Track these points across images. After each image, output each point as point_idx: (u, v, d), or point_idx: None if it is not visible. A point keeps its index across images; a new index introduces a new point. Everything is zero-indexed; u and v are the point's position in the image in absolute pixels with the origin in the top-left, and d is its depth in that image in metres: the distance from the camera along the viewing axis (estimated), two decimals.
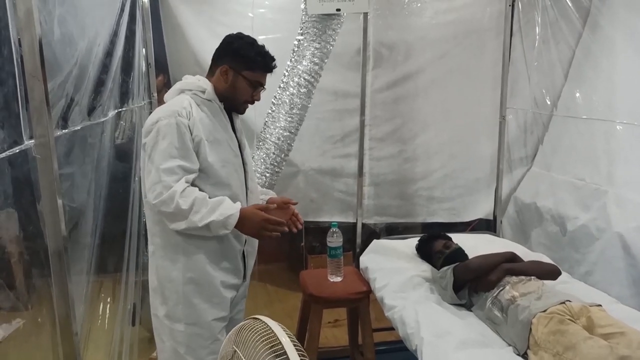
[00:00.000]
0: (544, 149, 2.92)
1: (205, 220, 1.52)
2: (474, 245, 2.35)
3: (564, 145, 2.75)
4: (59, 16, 1.03)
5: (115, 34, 1.58)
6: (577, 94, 2.64)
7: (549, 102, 2.80)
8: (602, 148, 2.46)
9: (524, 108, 2.94)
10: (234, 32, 1.77)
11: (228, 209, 1.56)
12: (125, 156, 1.85)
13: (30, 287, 1.25)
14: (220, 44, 1.73)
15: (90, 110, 1.26)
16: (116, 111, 1.57)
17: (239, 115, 1.84)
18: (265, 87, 1.78)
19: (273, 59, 1.74)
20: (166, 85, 3.18)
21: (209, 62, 2.76)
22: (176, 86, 1.67)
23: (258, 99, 1.77)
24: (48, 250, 0.98)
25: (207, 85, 1.65)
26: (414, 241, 2.47)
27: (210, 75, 1.71)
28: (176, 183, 1.50)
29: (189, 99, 1.61)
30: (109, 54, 1.47)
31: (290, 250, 3.79)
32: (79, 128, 1.10)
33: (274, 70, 1.76)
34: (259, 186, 1.98)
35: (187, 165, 1.54)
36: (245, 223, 1.59)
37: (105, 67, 1.42)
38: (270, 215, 1.61)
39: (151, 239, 1.66)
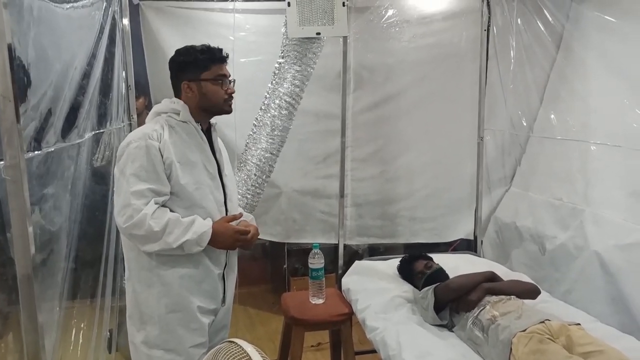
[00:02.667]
0: (521, 170, 2.97)
1: (179, 241, 1.52)
2: (455, 265, 2.35)
3: (541, 166, 2.80)
4: (34, 37, 1.03)
5: (93, 56, 1.57)
6: (552, 116, 2.71)
7: (525, 124, 2.86)
8: (578, 168, 2.51)
9: (501, 129, 3.00)
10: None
11: (201, 226, 1.57)
12: (103, 178, 1.82)
13: (2, 315, 1.22)
14: (170, 67, 1.70)
15: (65, 132, 1.24)
16: (93, 133, 1.55)
17: (218, 137, 1.80)
18: (230, 77, 1.72)
19: (219, 49, 1.69)
20: (147, 107, 3.17)
21: None
22: (153, 109, 1.68)
23: (233, 92, 1.72)
24: (17, 275, 0.95)
25: (180, 107, 1.64)
26: (395, 262, 2.46)
27: (179, 96, 1.69)
28: (146, 206, 1.50)
29: (162, 122, 1.61)
30: (86, 75, 1.46)
31: (273, 273, 3.75)
32: (52, 149, 1.08)
33: (227, 58, 1.71)
34: (240, 208, 1.96)
35: (156, 188, 1.54)
36: (218, 239, 1.60)
37: (82, 89, 1.41)
38: (239, 226, 1.68)
39: (127, 264, 1.64)
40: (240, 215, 1.77)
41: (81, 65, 1.41)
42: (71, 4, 1.36)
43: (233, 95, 1.72)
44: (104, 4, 1.76)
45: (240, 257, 2.95)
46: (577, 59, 2.62)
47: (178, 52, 1.68)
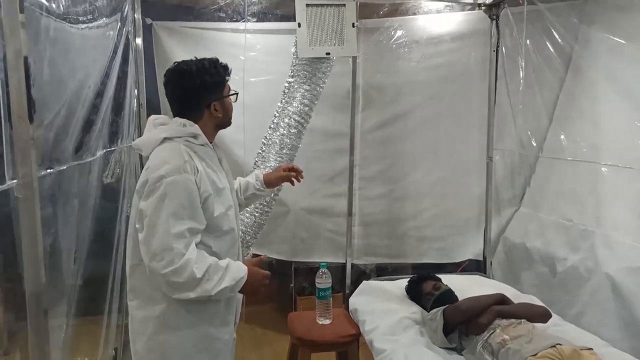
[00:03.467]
0: (531, 190, 2.95)
1: (218, 288, 1.42)
2: (464, 286, 2.32)
3: (551, 186, 2.78)
4: (50, 58, 1.05)
5: (107, 75, 1.59)
6: (562, 136, 2.69)
7: (534, 144, 2.84)
8: (588, 189, 2.49)
9: (510, 149, 2.99)
10: (168, 70, 1.57)
11: (238, 272, 1.48)
12: (112, 196, 1.83)
13: (10, 331, 1.21)
14: (189, 90, 1.52)
15: (78, 150, 1.25)
16: (105, 151, 1.57)
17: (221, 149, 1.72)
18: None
19: (219, 60, 1.60)
20: None
21: None
22: (159, 135, 1.48)
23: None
24: (26, 293, 0.95)
25: (197, 130, 1.51)
26: (403, 282, 2.44)
27: (196, 118, 1.53)
28: (187, 249, 1.38)
29: (185, 149, 1.46)
30: (99, 94, 1.48)
31: (280, 291, 3.73)
32: (64, 168, 1.09)
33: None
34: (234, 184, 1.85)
35: (195, 227, 1.43)
36: (249, 283, 1.51)
37: (95, 108, 1.42)
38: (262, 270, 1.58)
39: (144, 305, 1.49)
40: (266, 257, 1.72)
41: (95, 84, 1.43)
42: (87, 24, 1.38)
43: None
44: (119, 24, 1.80)
45: None
46: (586, 80, 2.62)
47: (194, 72, 1.50)
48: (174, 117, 1.55)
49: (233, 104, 1.63)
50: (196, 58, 1.56)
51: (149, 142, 1.49)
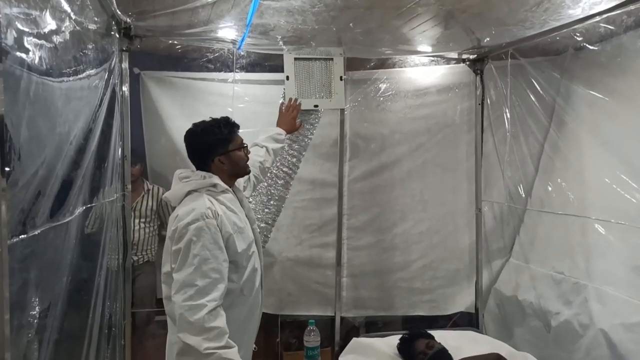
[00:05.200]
0: (520, 241, 2.93)
1: (209, 350, 1.53)
2: (458, 344, 2.25)
3: (540, 238, 2.76)
4: (29, 117, 1.01)
5: (90, 130, 1.55)
6: (550, 188, 2.70)
7: (523, 195, 2.85)
8: (578, 242, 2.47)
9: (499, 202, 2.99)
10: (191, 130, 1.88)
11: (232, 354, 1.58)
12: (92, 250, 1.75)
13: None
14: (195, 148, 1.84)
15: (55, 211, 1.19)
16: (84, 207, 1.50)
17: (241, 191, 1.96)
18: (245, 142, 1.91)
19: (229, 119, 1.88)
20: (142, 174, 3.15)
21: None
22: (184, 189, 1.74)
23: (249, 152, 1.93)
24: None
25: (216, 180, 1.76)
26: (394, 339, 2.35)
27: (212, 171, 1.81)
28: (208, 295, 1.56)
29: (208, 198, 1.70)
30: (81, 150, 1.43)
31: (265, 347, 3.57)
32: (38, 232, 1.03)
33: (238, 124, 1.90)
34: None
35: (220, 268, 1.62)
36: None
37: (76, 164, 1.37)
38: None
39: (172, 330, 1.67)
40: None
41: (77, 140, 1.38)
42: (71, 77, 1.35)
43: (249, 156, 1.90)
44: (105, 74, 1.77)
45: None
46: (569, 132, 2.66)
47: (199, 132, 1.81)
48: (196, 169, 1.83)
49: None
50: (211, 118, 1.86)
51: (176, 195, 1.76)
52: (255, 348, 1.91)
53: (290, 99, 2.46)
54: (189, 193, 1.74)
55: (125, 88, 2.29)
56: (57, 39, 1.26)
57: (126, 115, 2.31)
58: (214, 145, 1.80)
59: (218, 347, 1.53)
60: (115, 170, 2.02)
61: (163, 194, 3.04)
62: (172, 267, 1.63)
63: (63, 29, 1.31)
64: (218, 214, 1.67)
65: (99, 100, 1.63)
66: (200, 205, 1.66)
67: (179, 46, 2.46)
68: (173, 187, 1.81)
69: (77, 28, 1.44)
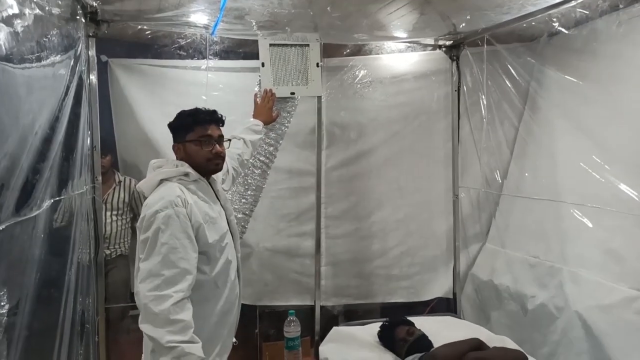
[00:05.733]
0: (496, 225, 2.96)
1: (172, 343, 1.47)
2: (437, 329, 2.26)
3: (516, 223, 2.79)
4: None
5: (57, 119, 1.47)
6: (525, 173, 2.73)
7: (499, 180, 2.87)
8: (553, 226, 2.51)
9: (475, 187, 3.01)
10: None
11: (195, 349, 1.52)
12: (61, 244, 1.67)
13: None
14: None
15: (21, 205, 1.12)
16: (52, 200, 1.43)
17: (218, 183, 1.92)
18: (218, 137, 1.82)
19: (209, 111, 1.82)
20: (113, 165, 3.05)
21: (160, 142, 2.73)
22: (156, 177, 1.69)
23: (222, 151, 1.81)
24: None
25: (187, 168, 1.71)
26: (374, 327, 2.35)
27: (179, 156, 1.79)
28: (175, 286, 1.50)
29: (178, 186, 1.66)
30: (47, 140, 1.36)
31: (244, 338, 3.53)
32: (3, 228, 0.97)
33: (217, 118, 1.84)
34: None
35: (188, 258, 1.57)
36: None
37: (42, 155, 1.30)
38: None
39: None
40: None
41: (42, 130, 1.31)
42: (34, 64, 1.27)
43: (221, 154, 1.80)
44: (71, 61, 1.69)
45: None
46: (542, 117, 2.69)
47: (176, 117, 1.81)
48: None
49: None
50: (196, 107, 1.83)
51: (149, 185, 1.70)
52: (235, 342, 1.87)
53: (266, 90, 2.42)
54: (161, 182, 1.68)
55: (92, 76, 2.19)
56: (18, 22, 1.18)
57: (94, 104, 2.21)
58: (174, 130, 1.80)
59: (182, 340, 1.48)
60: (84, 161, 1.93)
61: (135, 185, 2.96)
62: (140, 257, 1.58)
63: (25, 12, 1.23)
64: (188, 202, 1.63)
65: (64, 89, 1.55)
66: (170, 193, 1.62)
67: (149, 32, 2.37)
68: (147, 176, 1.75)
69: (40, 12, 1.36)
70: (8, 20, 1.13)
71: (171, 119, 1.85)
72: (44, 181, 1.30)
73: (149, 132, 2.78)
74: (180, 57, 2.57)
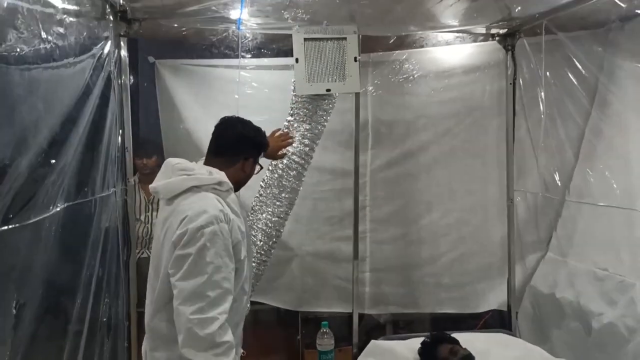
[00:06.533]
0: (558, 235, 2.67)
1: None
2: (486, 348, 2.05)
3: (580, 231, 2.51)
4: None
5: (71, 121, 1.44)
6: (591, 178, 2.43)
7: (559, 184, 2.58)
8: (624, 235, 2.22)
9: (533, 192, 2.72)
10: (230, 117, 1.78)
11: None
12: (77, 247, 1.63)
13: None
14: (239, 138, 1.71)
15: (15, 211, 1.08)
16: (66, 204, 1.39)
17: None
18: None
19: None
20: (159, 166, 3.07)
21: (204, 141, 2.68)
22: (185, 183, 1.54)
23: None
24: None
25: (223, 177, 1.59)
26: (415, 342, 2.17)
27: (226, 166, 1.65)
28: (220, 306, 1.42)
29: (215, 197, 1.55)
30: (56, 142, 1.32)
31: (285, 344, 3.45)
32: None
33: None
34: None
35: (229, 276, 1.48)
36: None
37: (47, 159, 1.26)
38: None
39: (164, 347, 1.52)
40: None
41: (50, 131, 1.27)
42: (41, 65, 1.23)
43: None
44: (94, 61, 1.65)
45: (252, 323, 2.74)
46: (614, 114, 2.39)
47: (250, 126, 1.74)
48: (207, 159, 1.69)
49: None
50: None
51: (173, 188, 1.55)
52: (243, 353, 1.76)
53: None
54: (189, 189, 1.54)
55: (125, 75, 2.17)
56: (20, 22, 1.14)
57: (126, 104, 2.19)
58: (257, 147, 1.76)
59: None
60: (113, 163, 1.90)
61: None
62: (170, 272, 1.45)
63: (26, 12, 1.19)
64: (230, 219, 1.53)
65: (82, 88, 1.51)
66: (212, 206, 1.50)
67: (183, 29, 2.32)
68: (166, 178, 1.59)
69: (52, 11, 1.32)
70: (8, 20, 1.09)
71: (212, 118, 1.77)
72: (49, 185, 1.25)
73: (193, 133, 2.78)
74: (213, 56, 2.52)
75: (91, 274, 1.65)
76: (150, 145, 2.98)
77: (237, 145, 1.69)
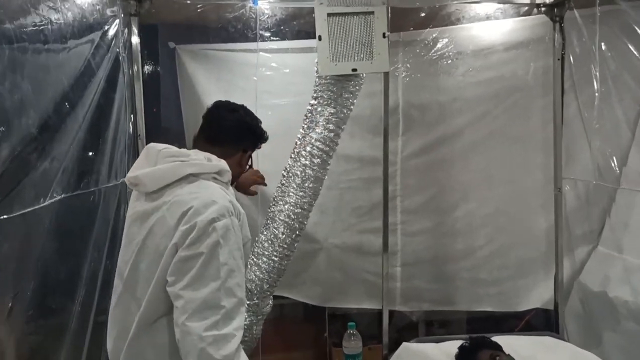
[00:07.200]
0: (611, 225, 2.41)
1: None
2: (531, 354, 1.86)
3: (636, 222, 2.24)
4: None
5: (68, 103, 1.31)
6: None
7: (617, 170, 2.31)
8: None
9: (584, 179, 2.46)
10: (226, 101, 1.60)
11: None
12: (73, 241, 1.49)
13: None
14: (239, 122, 1.53)
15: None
16: (63, 195, 1.26)
17: None
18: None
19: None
20: None
21: None
22: (182, 169, 1.28)
23: (244, 170, 1.67)
24: None
25: (224, 165, 1.37)
26: (451, 346, 1.98)
27: (224, 157, 1.42)
28: (235, 318, 1.17)
29: (220, 187, 1.32)
30: (49, 127, 1.19)
31: (313, 341, 3.31)
32: None
33: None
34: None
35: (243, 283, 1.24)
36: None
37: (39, 144, 1.13)
38: None
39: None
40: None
41: (40, 116, 1.14)
42: (28, 45, 1.10)
43: None
44: (96, 41, 1.52)
45: (278, 318, 2.57)
46: None
47: (252, 117, 1.58)
48: (195, 144, 1.47)
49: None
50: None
51: (161, 176, 1.27)
52: None
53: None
54: (185, 178, 1.28)
55: (136, 58, 2.04)
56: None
57: (138, 87, 2.06)
58: (257, 138, 1.60)
59: None
60: (123, 151, 1.78)
61: None
62: (170, 280, 1.18)
63: None
64: (240, 212, 1.32)
65: (80, 70, 1.38)
66: (221, 196, 1.25)
67: (199, 6, 2.17)
68: (150, 165, 1.31)
69: None
70: None
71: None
72: (39, 174, 1.12)
73: None
74: (230, 35, 2.38)
75: (96, 268, 1.52)
76: (172, 135, 2.89)
77: (239, 134, 1.50)
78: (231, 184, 1.48)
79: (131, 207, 1.33)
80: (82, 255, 1.45)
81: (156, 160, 1.31)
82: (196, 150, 1.40)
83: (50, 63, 1.21)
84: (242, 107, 1.58)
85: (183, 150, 1.38)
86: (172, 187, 1.27)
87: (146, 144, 1.39)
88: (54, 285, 1.27)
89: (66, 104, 1.29)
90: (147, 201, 1.28)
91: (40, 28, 1.17)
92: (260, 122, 1.62)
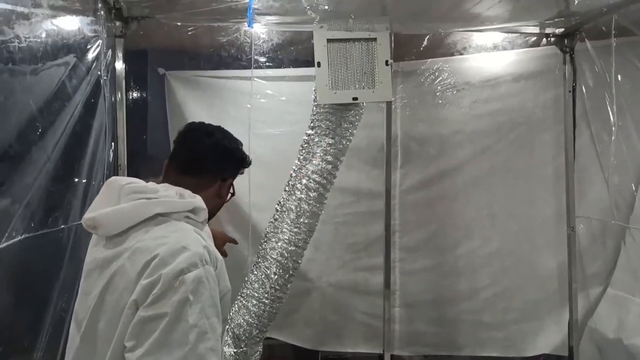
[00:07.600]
0: (623, 265, 2.27)
1: None
2: None
3: None
4: None
5: (35, 130, 1.15)
6: None
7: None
8: None
9: (601, 218, 2.30)
10: (200, 122, 1.35)
11: None
12: (38, 289, 1.31)
13: None
14: (216, 147, 1.27)
15: None
16: (24, 236, 1.09)
17: None
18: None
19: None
20: None
21: None
22: (149, 208, 1.07)
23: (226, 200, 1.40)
24: None
25: (199, 201, 1.15)
26: None
27: (200, 188, 1.20)
28: None
29: (193, 229, 1.11)
30: (6, 158, 1.03)
31: None
32: None
33: None
34: None
35: (217, 346, 1.03)
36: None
37: None
38: None
39: None
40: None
41: None
42: None
43: None
44: (71, 63, 1.37)
45: None
46: None
47: (232, 140, 1.32)
48: (165, 175, 1.24)
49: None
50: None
51: (124, 217, 1.06)
52: None
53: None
54: (152, 218, 1.07)
55: (120, 83, 1.90)
56: None
57: (120, 113, 1.91)
58: (238, 163, 1.34)
59: None
60: (101, 181, 1.61)
61: None
62: (128, 345, 0.96)
63: None
64: (217, 259, 1.10)
65: (52, 94, 1.23)
66: (194, 241, 1.06)
67: (190, 29, 2.05)
68: (110, 204, 1.09)
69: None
70: None
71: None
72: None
73: None
74: (223, 60, 2.26)
75: (61, 316, 1.33)
76: (157, 163, 2.74)
77: (217, 161, 1.28)
78: (209, 219, 1.24)
79: (89, 253, 1.13)
80: (46, 301, 1.26)
81: (119, 198, 1.10)
82: (166, 185, 1.17)
83: (15, 85, 1.06)
84: (219, 128, 1.33)
85: (150, 184, 1.15)
86: (137, 230, 1.06)
87: (127, 174, 1.19)
88: (8, 339, 1.08)
89: (33, 130, 1.13)
90: (107, 247, 1.08)
91: (6, 44, 1.02)
92: (241, 145, 1.37)
